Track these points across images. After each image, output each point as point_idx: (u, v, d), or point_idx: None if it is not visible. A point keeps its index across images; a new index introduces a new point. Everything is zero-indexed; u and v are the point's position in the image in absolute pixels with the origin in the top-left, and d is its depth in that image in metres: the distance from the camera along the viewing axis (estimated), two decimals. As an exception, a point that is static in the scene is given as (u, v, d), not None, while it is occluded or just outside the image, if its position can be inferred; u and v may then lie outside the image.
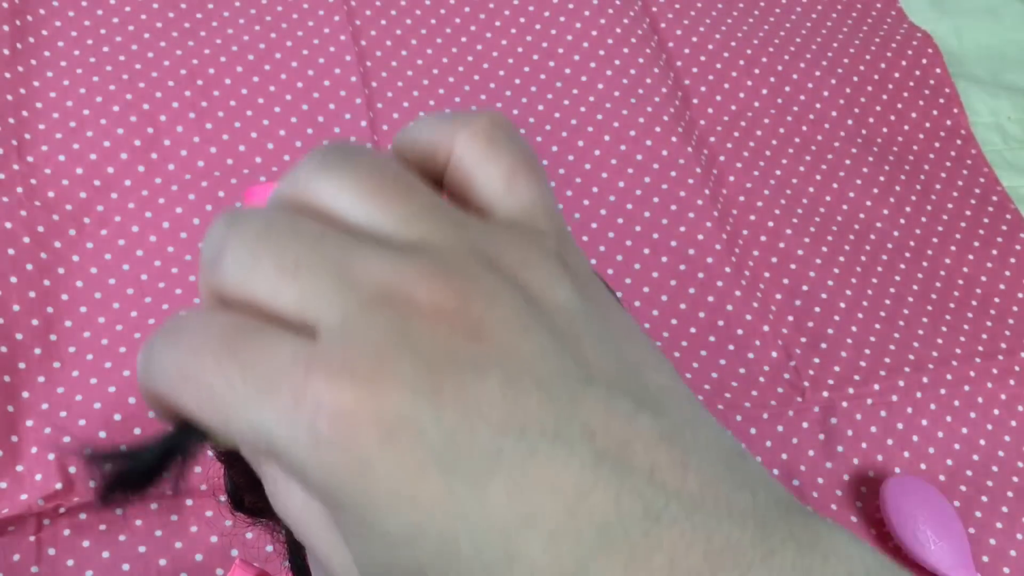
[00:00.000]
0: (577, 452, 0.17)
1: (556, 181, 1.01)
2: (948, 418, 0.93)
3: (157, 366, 0.20)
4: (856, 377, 0.93)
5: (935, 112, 1.16)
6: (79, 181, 0.92)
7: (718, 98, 1.12)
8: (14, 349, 0.82)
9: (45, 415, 0.79)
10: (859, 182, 1.08)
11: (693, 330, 0.94)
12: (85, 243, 0.89)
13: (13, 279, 0.84)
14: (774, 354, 0.94)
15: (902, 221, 1.07)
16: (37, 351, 0.82)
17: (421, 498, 0.17)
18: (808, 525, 0.19)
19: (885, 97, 1.16)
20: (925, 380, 0.94)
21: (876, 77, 1.18)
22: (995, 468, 0.92)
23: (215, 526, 0.78)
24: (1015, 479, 0.91)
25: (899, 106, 1.16)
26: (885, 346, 0.96)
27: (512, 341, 0.18)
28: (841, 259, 1.02)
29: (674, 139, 1.05)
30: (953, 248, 1.06)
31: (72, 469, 0.77)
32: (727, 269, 0.98)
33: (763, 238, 1.02)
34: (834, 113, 1.13)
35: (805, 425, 0.90)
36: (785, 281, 0.99)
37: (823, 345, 0.95)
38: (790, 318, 0.97)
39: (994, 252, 1.06)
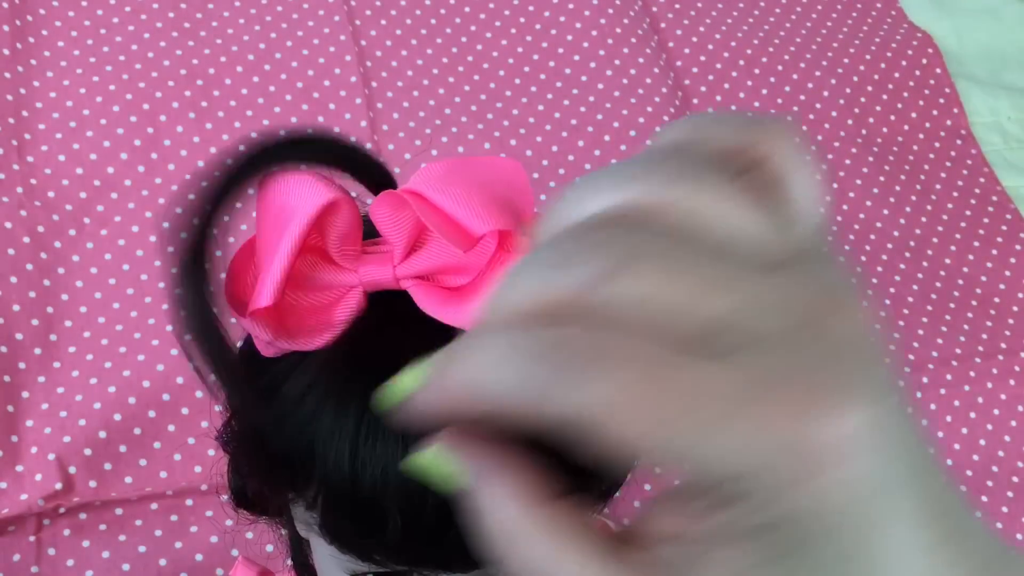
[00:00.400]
0: None
1: (556, 181, 1.01)
2: (948, 418, 0.93)
3: (517, 389, 0.18)
4: (856, 377, 0.93)
5: (935, 112, 1.16)
6: (79, 181, 0.92)
7: (718, 98, 1.12)
8: (14, 349, 0.81)
9: (45, 415, 0.79)
10: (859, 182, 1.08)
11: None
12: (85, 243, 0.89)
13: (13, 279, 0.84)
14: (774, 354, 0.93)
15: (902, 221, 1.07)
16: (37, 351, 0.82)
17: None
18: None
19: (885, 97, 1.16)
20: (925, 380, 0.94)
21: (876, 77, 1.18)
22: (995, 468, 0.92)
23: (215, 526, 0.78)
24: (1015, 479, 0.91)
25: (899, 106, 1.16)
26: (885, 346, 0.96)
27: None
28: (841, 259, 1.02)
29: (674, 139, 1.05)
30: (953, 248, 1.06)
31: (72, 469, 0.77)
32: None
33: (763, 238, 1.02)
34: (834, 113, 1.13)
35: (805, 425, 0.90)
36: (785, 281, 0.99)
37: (823, 345, 0.95)
38: (790, 318, 0.97)
39: (994, 252, 1.06)
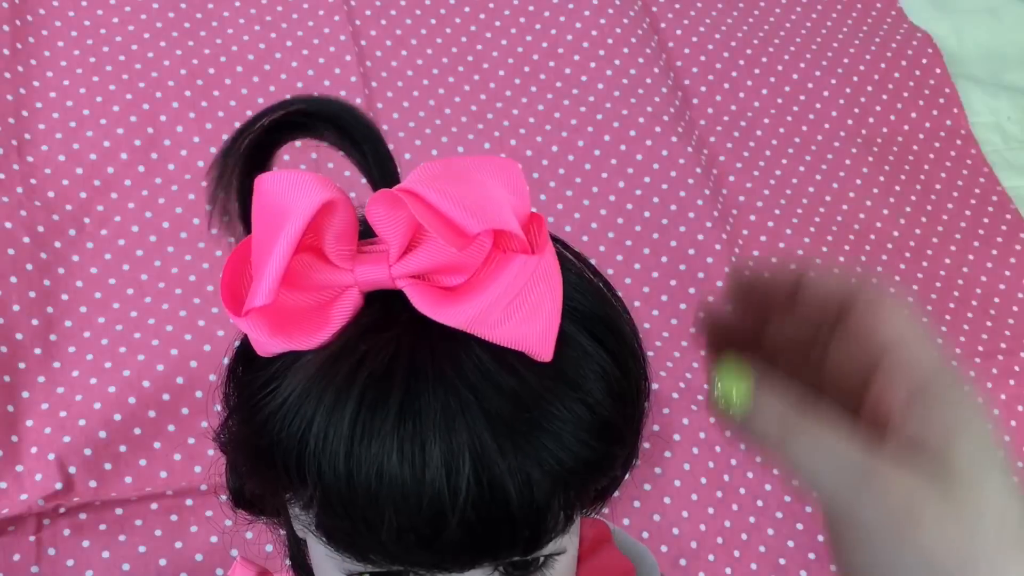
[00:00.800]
0: None
1: (556, 181, 1.01)
2: (948, 418, 0.93)
3: None
4: (856, 377, 0.93)
5: (935, 112, 1.16)
6: (79, 181, 0.92)
7: (718, 98, 1.12)
8: (14, 349, 0.81)
9: (45, 415, 0.79)
10: (859, 182, 1.08)
11: (693, 330, 0.94)
12: (85, 243, 0.89)
13: (13, 279, 0.84)
14: (774, 354, 0.93)
15: (902, 221, 1.07)
16: (37, 351, 0.82)
17: None
18: None
19: (885, 97, 1.16)
20: (925, 380, 0.94)
21: (876, 77, 1.18)
22: (995, 468, 0.92)
23: (215, 526, 0.78)
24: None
25: (899, 106, 1.16)
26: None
27: None
28: (841, 259, 1.02)
29: (674, 139, 1.05)
30: (953, 248, 1.06)
31: (72, 469, 0.77)
32: (727, 269, 0.98)
33: (763, 238, 1.02)
34: (834, 113, 1.13)
35: (805, 425, 0.90)
36: (785, 281, 0.99)
37: (823, 345, 0.95)
38: (790, 318, 0.97)
39: (994, 252, 1.06)
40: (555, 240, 0.37)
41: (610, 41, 1.11)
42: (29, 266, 0.85)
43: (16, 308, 0.83)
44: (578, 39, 1.11)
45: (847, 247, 1.03)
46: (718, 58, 1.15)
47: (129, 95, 0.98)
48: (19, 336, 0.82)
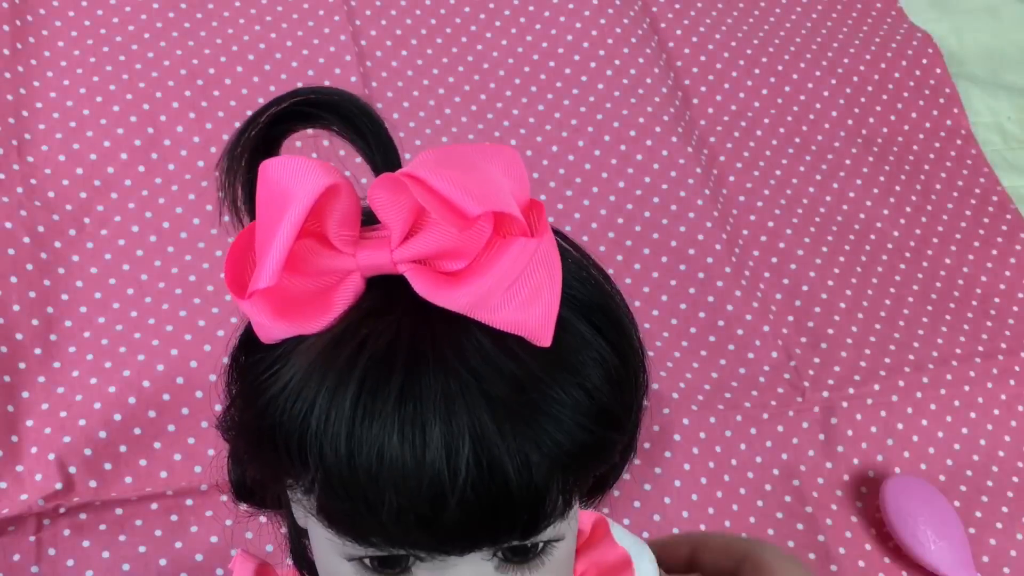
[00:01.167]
0: None
1: (556, 181, 1.02)
2: (948, 418, 0.93)
3: None
4: (856, 377, 0.93)
5: (935, 112, 1.16)
6: (79, 181, 0.92)
7: (718, 98, 1.12)
8: (14, 349, 0.81)
9: (45, 415, 0.79)
10: (859, 182, 1.08)
11: (693, 330, 0.94)
12: (85, 243, 0.89)
13: (13, 279, 0.84)
14: (774, 354, 0.93)
15: (902, 221, 1.07)
16: (37, 351, 0.82)
17: None
18: None
19: (885, 97, 1.16)
20: (925, 380, 0.94)
21: (876, 77, 1.18)
22: (995, 468, 0.92)
23: (215, 526, 0.78)
24: (1015, 479, 0.91)
25: (899, 106, 1.16)
26: (885, 346, 0.96)
27: None
28: (841, 259, 1.02)
29: (674, 139, 1.05)
30: (953, 248, 1.06)
31: (72, 469, 0.77)
32: (727, 269, 0.98)
33: (763, 238, 1.02)
34: (834, 113, 1.14)
35: (805, 425, 0.90)
36: (785, 281, 0.99)
37: (823, 345, 0.95)
38: (790, 318, 0.97)
39: (994, 252, 1.06)
40: (556, 233, 0.37)
41: (610, 41, 1.11)
42: (29, 266, 0.85)
43: (16, 308, 0.83)
44: (578, 39, 1.11)
45: (847, 247, 1.03)
46: (718, 58, 1.15)
47: (129, 95, 0.98)
48: (19, 336, 0.82)
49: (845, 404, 0.91)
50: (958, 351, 0.97)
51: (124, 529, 0.77)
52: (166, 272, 0.89)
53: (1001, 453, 0.93)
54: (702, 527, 0.84)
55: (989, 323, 1.00)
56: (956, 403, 0.94)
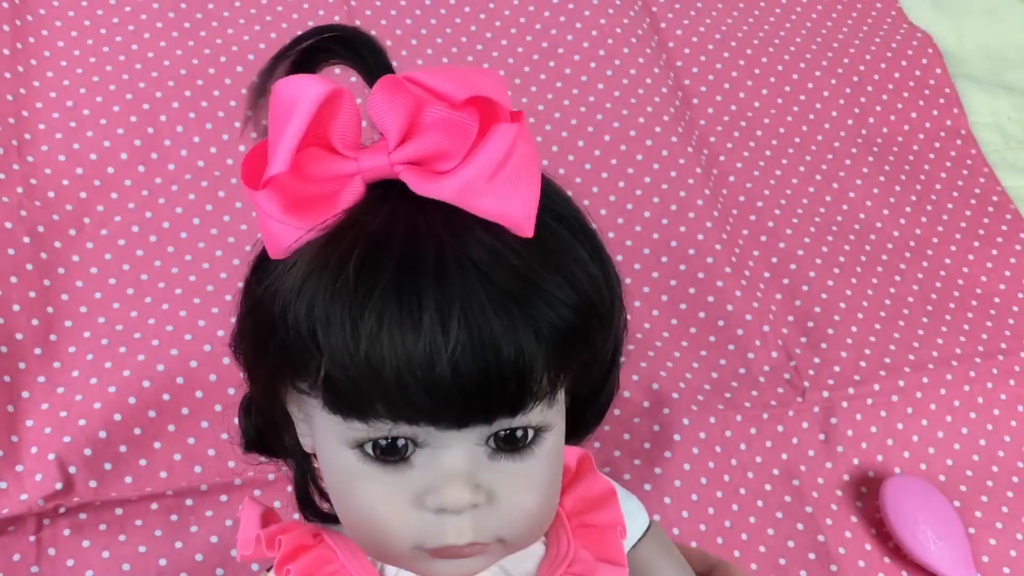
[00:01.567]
0: None
1: (555, 181, 1.01)
2: (948, 418, 0.93)
3: None
4: (856, 377, 0.93)
5: (935, 112, 1.16)
6: (79, 181, 0.92)
7: (718, 98, 1.12)
8: (14, 349, 0.82)
9: (45, 415, 0.79)
10: (859, 182, 1.08)
11: (693, 330, 0.94)
12: (85, 243, 0.89)
13: (13, 279, 0.84)
14: (774, 354, 0.93)
15: (902, 221, 1.07)
16: (37, 351, 0.82)
17: None
18: None
19: (885, 97, 1.16)
20: (925, 380, 0.94)
21: (876, 77, 1.18)
22: (995, 468, 0.92)
23: (215, 526, 0.78)
24: (1015, 479, 0.91)
25: (899, 106, 1.16)
26: (885, 346, 0.96)
27: None
28: (841, 259, 1.02)
29: (674, 139, 1.05)
30: (953, 248, 1.06)
31: (72, 469, 0.77)
32: (727, 269, 0.98)
33: (763, 238, 1.02)
34: (834, 113, 1.14)
35: (805, 425, 0.90)
36: (785, 281, 0.99)
37: (823, 345, 0.95)
38: (790, 318, 0.97)
39: (994, 252, 1.06)
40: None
41: (610, 41, 1.11)
42: (29, 266, 0.85)
43: (16, 308, 0.83)
44: (578, 39, 1.11)
45: (847, 247, 1.03)
46: (718, 58, 1.15)
47: (129, 95, 0.98)
48: (19, 336, 0.82)
49: (845, 404, 0.91)
50: (958, 351, 0.97)
51: (124, 529, 0.77)
52: (166, 272, 0.89)
53: (1001, 453, 0.93)
54: (702, 527, 0.84)
55: (989, 323, 1.00)
56: (956, 403, 0.94)
